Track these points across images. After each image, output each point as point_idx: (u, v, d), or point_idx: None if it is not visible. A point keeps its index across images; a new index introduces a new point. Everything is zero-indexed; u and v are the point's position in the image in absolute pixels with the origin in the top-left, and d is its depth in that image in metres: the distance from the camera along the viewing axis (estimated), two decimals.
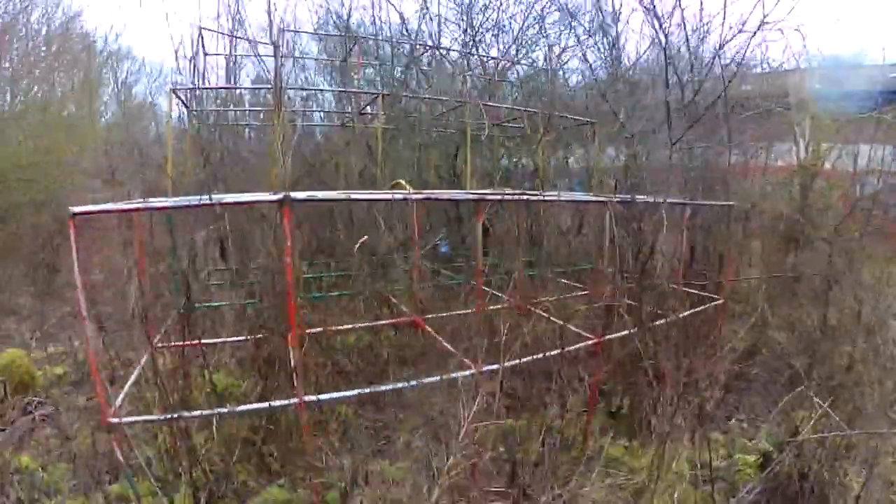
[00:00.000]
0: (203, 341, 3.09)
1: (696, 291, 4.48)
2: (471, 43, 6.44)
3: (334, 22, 6.68)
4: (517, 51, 6.74)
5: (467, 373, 2.56)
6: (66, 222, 2.23)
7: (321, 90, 6.26)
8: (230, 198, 2.30)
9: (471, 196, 2.80)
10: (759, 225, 6.05)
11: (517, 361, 2.83)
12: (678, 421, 3.20)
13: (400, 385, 2.47)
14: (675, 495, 2.81)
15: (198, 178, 4.57)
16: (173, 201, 2.43)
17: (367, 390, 2.43)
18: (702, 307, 4.22)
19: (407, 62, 6.10)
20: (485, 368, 2.61)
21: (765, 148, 6.80)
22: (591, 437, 3.35)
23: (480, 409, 2.38)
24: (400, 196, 2.45)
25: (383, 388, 2.56)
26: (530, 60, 6.85)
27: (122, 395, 2.48)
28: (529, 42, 6.82)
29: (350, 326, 3.59)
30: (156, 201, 2.36)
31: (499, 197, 3.02)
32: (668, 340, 3.46)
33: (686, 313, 3.81)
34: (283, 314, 2.97)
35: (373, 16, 6.50)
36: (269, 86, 4.65)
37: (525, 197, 3.05)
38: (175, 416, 2.27)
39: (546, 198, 3.44)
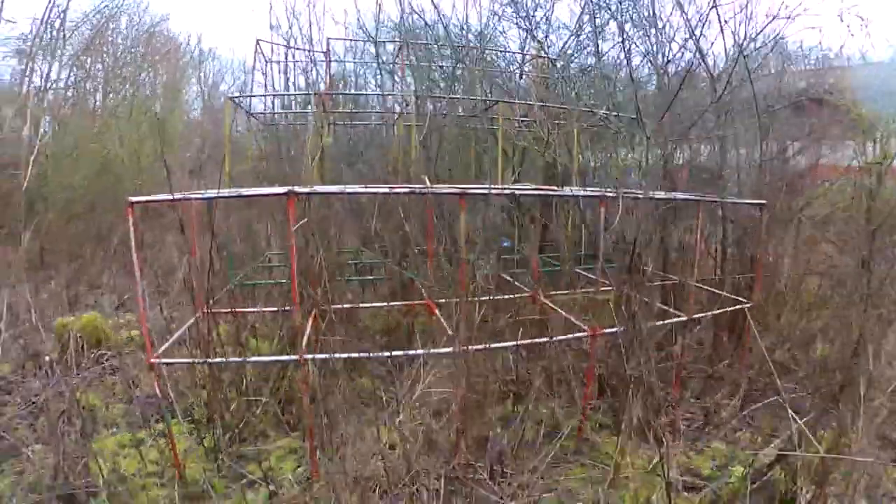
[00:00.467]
0: (240, 310, 3.70)
1: (718, 292, 4.32)
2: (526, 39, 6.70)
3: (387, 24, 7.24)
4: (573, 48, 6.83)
5: (447, 350, 2.96)
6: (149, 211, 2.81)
7: (356, 94, 6.75)
8: (246, 191, 2.86)
9: (455, 190, 3.12)
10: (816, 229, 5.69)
11: (506, 345, 3.23)
12: (668, 424, 3.42)
13: (385, 354, 2.94)
14: (649, 496, 2.78)
15: (255, 172, 5.25)
16: (209, 193, 2.97)
17: (357, 354, 2.91)
18: (720, 310, 4.13)
19: (457, 58, 6.35)
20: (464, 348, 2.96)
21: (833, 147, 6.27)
22: (585, 430, 3.41)
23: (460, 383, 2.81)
24: (384, 190, 2.94)
25: (375, 355, 3.03)
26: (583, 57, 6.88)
27: (165, 346, 3.08)
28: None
29: (367, 305, 4.10)
30: (193, 194, 2.93)
31: (483, 190, 3.43)
32: (651, 340, 3.50)
33: (699, 315, 3.89)
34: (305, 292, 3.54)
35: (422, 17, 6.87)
36: (305, 92, 5.27)
37: (507, 190, 3.42)
38: (201, 361, 2.86)
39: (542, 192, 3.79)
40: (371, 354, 2.96)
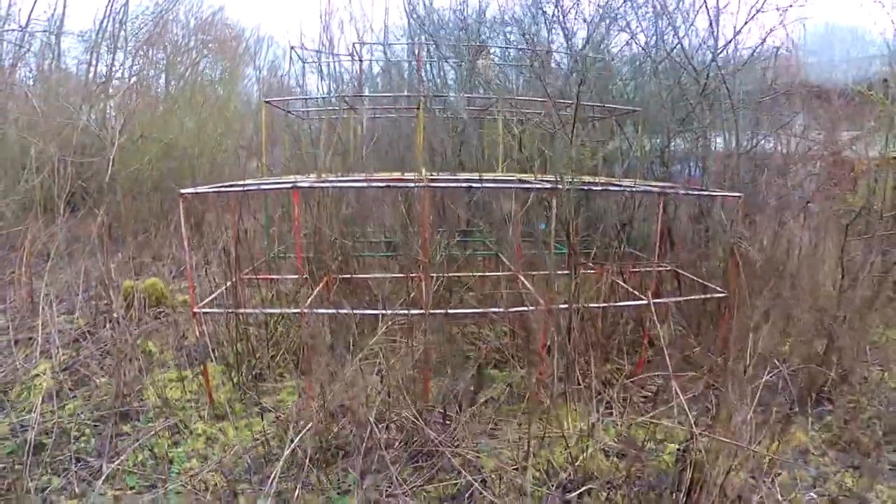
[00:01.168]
0: (265, 276, 4.55)
1: (700, 280, 4.59)
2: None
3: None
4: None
5: (403, 311, 3.68)
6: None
7: (376, 95, 7.46)
8: (253, 183, 3.66)
9: (420, 183, 3.76)
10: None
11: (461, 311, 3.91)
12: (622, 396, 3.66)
13: (369, 312, 3.71)
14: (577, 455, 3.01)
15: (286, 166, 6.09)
16: (236, 186, 3.76)
17: (333, 311, 3.66)
18: (690, 297, 4.46)
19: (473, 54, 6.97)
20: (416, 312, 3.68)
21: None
22: (540, 396, 3.61)
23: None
24: (356, 183, 3.68)
25: (359, 311, 3.79)
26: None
27: (206, 301, 3.92)
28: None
29: (368, 276, 4.84)
30: (220, 186, 3.73)
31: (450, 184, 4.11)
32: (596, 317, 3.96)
33: (662, 301, 4.24)
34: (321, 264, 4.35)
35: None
36: (324, 95, 6.06)
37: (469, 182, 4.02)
38: (230, 311, 3.70)
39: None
40: (344, 311, 3.66)
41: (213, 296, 4.07)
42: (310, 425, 2.87)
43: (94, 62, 12.45)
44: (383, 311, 3.61)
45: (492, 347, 4.45)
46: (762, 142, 5.93)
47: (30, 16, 10.86)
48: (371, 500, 2.77)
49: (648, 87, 6.68)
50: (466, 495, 2.89)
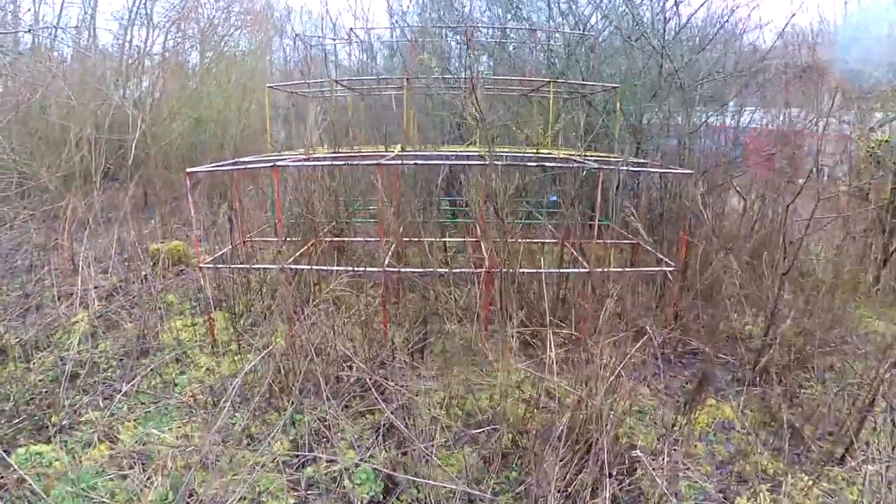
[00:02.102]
0: (260, 239, 5.32)
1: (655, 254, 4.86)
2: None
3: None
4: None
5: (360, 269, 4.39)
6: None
7: (361, 78, 8.05)
8: (241, 161, 4.38)
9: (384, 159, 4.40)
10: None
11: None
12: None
13: (324, 268, 4.43)
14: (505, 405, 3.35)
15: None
16: (243, 162, 4.48)
17: (306, 267, 4.39)
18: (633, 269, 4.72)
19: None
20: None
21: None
22: (486, 350, 4.02)
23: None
24: (323, 162, 4.37)
25: (318, 267, 4.51)
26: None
27: (211, 258, 4.70)
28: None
29: (346, 240, 5.54)
30: (218, 165, 4.45)
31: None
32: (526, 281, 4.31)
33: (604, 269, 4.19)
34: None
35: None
36: (302, 81, 6.74)
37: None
38: (226, 266, 4.48)
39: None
40: (312, 267, 4.36)
41: (218, 255, 4.84)
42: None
43: (128, 38, 13.22)
44: (338, 268, 4.28)
45: (459, 305, 4.77)
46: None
47: None
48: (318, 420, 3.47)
49: (625, 64, 7.12)
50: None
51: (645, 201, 6.01)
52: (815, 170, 5.72)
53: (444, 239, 5.39)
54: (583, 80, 6.90)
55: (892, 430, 3.35)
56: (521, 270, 4.19)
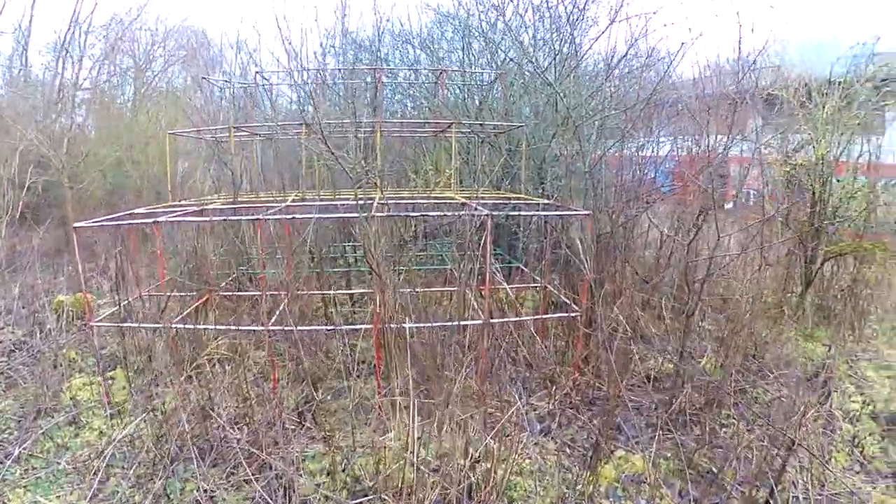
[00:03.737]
0: (153, 294, 5.46)
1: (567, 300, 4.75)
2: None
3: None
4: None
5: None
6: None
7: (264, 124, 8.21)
8: (129, 214, 4.56)
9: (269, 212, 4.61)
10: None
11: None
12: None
13: (213, 328, 4.61)
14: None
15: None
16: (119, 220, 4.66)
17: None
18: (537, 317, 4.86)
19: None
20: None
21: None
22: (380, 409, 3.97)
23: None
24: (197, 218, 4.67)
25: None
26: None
27: (101, 316, 4.81)
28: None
29: (237, 293, 5.71)
30: (106, 219, 4.62)
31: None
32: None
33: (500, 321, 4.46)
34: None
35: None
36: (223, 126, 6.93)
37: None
38: (116, 325, 4.60)
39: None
40: (186, 326, 4.55)
41: (108, 312, 4.96)
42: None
43: (60, 70, 13.06)
44: (217, 327, 4.46)
45: (356, 360, 4.75)
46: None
47: None
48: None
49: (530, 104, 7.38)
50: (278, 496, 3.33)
51: (550, 242, 5.91)
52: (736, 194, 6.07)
53: (337, 292, 5.55)
54: (500, 119, 7.05)
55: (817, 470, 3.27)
56: (407, 325, 4.11)
